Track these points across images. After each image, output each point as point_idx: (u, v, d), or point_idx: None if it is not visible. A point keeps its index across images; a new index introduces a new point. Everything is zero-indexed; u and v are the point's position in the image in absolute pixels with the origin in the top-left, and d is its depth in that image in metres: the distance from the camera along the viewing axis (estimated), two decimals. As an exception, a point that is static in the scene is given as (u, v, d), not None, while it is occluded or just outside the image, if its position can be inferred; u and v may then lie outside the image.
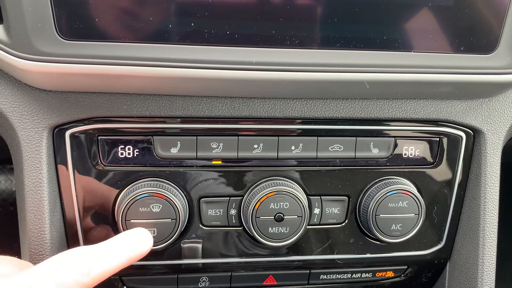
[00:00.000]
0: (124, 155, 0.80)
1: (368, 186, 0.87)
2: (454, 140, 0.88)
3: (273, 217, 0.82)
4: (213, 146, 0.82)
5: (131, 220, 0.78)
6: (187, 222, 0.84)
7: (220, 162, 0.83)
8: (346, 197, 0.88)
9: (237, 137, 0.82)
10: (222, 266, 0.89)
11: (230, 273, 0.91)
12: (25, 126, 0.76)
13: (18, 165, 0.79)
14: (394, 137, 0.86)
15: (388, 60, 0.72)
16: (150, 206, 0.78)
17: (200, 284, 0.91)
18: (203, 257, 0.87)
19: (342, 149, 0.85)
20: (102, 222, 0.83)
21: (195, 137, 0.81)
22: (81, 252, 0.64)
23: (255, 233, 0.82)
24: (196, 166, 0.82)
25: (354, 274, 0.95)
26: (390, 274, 0.97)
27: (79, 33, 0.66)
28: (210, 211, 0.85)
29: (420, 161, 0.88)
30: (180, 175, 0.82)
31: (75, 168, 0.80)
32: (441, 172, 0.89)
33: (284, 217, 0.82)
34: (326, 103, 0.82)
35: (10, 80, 0.74)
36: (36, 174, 0.77)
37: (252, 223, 0.82)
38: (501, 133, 0.88)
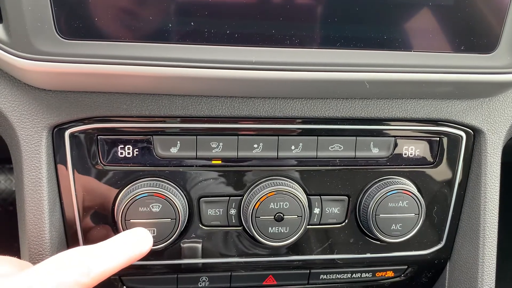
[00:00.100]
0: (124, 154, 0.80)
1: (368, 186, 0.87)
2: (454, 140, 0.88)
3: (273, 217, 0.82)
4: (213, 146, 0.82)
5: (131, 220, 0.78)
6: (186, 222, 0.84)
7: (220, 162, 0.83)
8: (346, 197, 0.88)
9: (237, 137, 0.82)
10: (222, 266, 0.89)
11: (230, 273, 0.91)
12: (25, 126, 0.76)
13: (18, 165, 0.79)
14: (394, 136, 0.86)
15: (388, 60, 0.72)
16: (150, 205, 0.78)
17: (200, 284, 0.91)
18: (203, 257, 0.87)
19: (342, 148, 0.85)
20: (102, 222, 0.83)
21: (195, 137, 0.81)
22: (80, 252, 0.64)
23: (255, 233, 0.82)
24: (196, 166, 0.82)
25: (354, 274, 0.95)
26: (390, 274, 0.97)
27: (78, 33, 0.66)
28: (210, 210, 0.85)
29: (420, 161, 0.88)
30: (179, 174, 0.82)
31: (74, 168, 0.80)
32: (441, 172, 0.89)
33: (284, 216, 0.82)
34: (326, 102, 0.82)
35: (9, 79, 0.74)
36: (35, 173, 0.77)
37: (252, 223, 0.82)
38: (501, 132, 0.88)
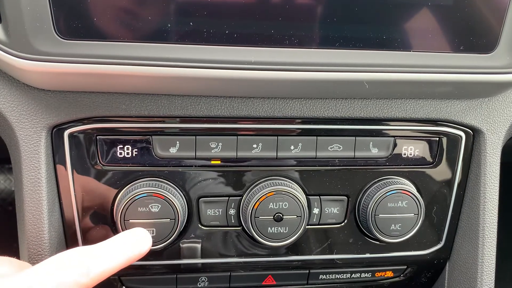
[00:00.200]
0: (123, 154, 0.80)
1: (368, 186, 0.87)
2: (453, 140, 0.88)
3: (272, 217, 0.82)
4: (212, 146, 0.82)
5: (130, 220, 0.78)
6: (186, 222, 0.83)
7: (219, 162, 0.83)
8: (346, 197, 0.88)
9: (236, 137, 0.82)
10: (221, 266, 0.89)
11: (229, 273, 0.91)
12: (24, 126, 0.76)
13: (17, 165, 0.79)
14: (394, 136, 0.86)
15: (387, 60, 0.72)
16: (149, 206, 0.78)
17: (199, 284, 0.91)
18: (202, 257, 0.87)
19: (341, 148, 0.85)
20: (101, 222, 0.83)
21: (194, 137, 0.81)
22: (80, 252, 0.64)
23: (254, 233, 0.82)
24: (195, 166, 0.82)
25: (353, 274, 0.95)
26: (389, 274, 0.97)
27: (77, 33, 0.66)
28: (209, 211, 0.85)
29: (419, 161, 0.88)
30: (179, 175, 0.82)
31: (73, 168, 0.80)
32: (440, 172, 0.89)
33: (283, 217, 0.82)
34: (326, 102, 0.82)
35: (8, 79, 0.74)
36: (34, 174, 0.77)
37: (251, 223, 0.82)
38: (500, 132, 0.88)
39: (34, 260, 0.79)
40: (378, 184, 0.86)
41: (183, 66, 0.69)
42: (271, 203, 0.81)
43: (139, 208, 0.78)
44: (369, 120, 0.84)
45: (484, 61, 0.75)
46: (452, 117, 0.86)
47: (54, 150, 0.79)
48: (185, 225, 0.84)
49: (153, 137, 0.80)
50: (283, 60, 0.70)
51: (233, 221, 0.86)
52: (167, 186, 0.81)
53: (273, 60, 0.70)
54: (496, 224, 0.91)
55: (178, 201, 0.79)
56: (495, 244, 0.91)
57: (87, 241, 0.83)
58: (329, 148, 0.84)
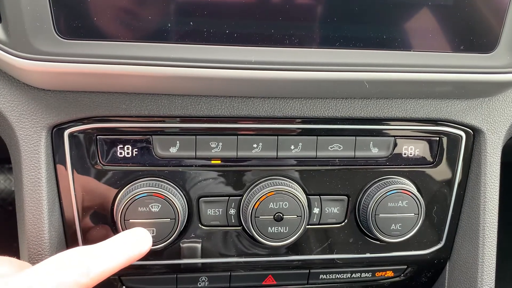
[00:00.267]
0: (123, 154, 0.80)
1: (368, 185, 0.87)
2: (454, 140, 0.88)
3: (272, 216, 0.82)
4: (212, 146, 0.82)
5: (130, 220, 0.78)
6: (186, 222, 0.83)
7: (219, 162, 0.83)
8: (346, 197, 0.88)
9: (236, 137, 0.82)
10: (222, 266, 0.89)
11: (229, 273, 0.91)
12: (24, 126, 0.76)
13: (17, 165, 0.79)
14: (394, 136, 0.86)
15: (387, 60, 0.72)
16: (149, 205, 0.78)
17: (199, 283, 0.91)
18: (202, 256, 0.87)
19: (341, 148, 0.85)
20: (101, 222, 0.83)
21: (194, 137, 0.81)
22: (80, 252, 0.64)
23: (254, 233, 0.82)
24: (195, 166, 0.82)
25: (353, 274, 0.95)
26: (389, 274, 0.97)
27: (77, 32, 0.66)
28: (209, 210, 0.85)
29: (420, 161, 0.88)
30: (179, 174, 0.82)
31: (74, 168, 0.80)
32: (441, 172, 0.89)
33: (284, 216, 0.82)
34: (326, 102, 0.82)
35: (8, 79, 0.74)
36: (34, 173, 0.77)
37: (251, 222, 0.81)
38: (501, 132, 0.88)
39: (34, 260, 0.79)
40: (378, 183, 0.86)
41: (183, 66, 0.69)
42: (271, 203, 0.81)
43: (139, 208, 0.78)
44: (369, 120, 0.84)
45: (484, 61, 0.75)
46: (452, 117, 0.86)
47: (54, 150, 0.79)
48: (185, 225, 0.84)
49: (153, 136, 0.80)
50: (283, 60, 0.70)
51: (233, 221, 0.86)
52: (167, 186, 0.81)
53: (274, 59, 0.70)
54: (497, 223, 0.91)
55: (178, 201, 0.79)
56: (496, 243, 0.91)
57: (87, 241, 0.83)
58: (329, 148, 0.84)
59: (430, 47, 0.73)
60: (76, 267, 0.61)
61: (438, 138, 0.88)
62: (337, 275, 0.94)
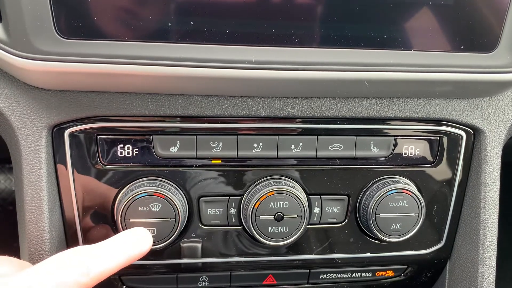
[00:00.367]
0: (124, 154, 0.80)
1: (368, 185, 0.87)
2: (454, 139, 0.88)
3: (272, 216, 0.82)
4: (212, 145, 0.82)
5: (131, 220, 0.78)
6: (186, 222, 0.83)
7: (219, 161, 0.83)
8: (346, 196, 0.88)
9: (236, 136, 0.82)
10: (222, 266, 0.89)
11: (229, 273, 0.91)
12: (24, 125, 0.76)
13: (17, 164, 0.79)
14: (394, 136, 0.86)
15: (387, 59, 0.72)
16: (150, 205, 0.78)
17: (200, 283, 0.91)
18: (203, 256, 0.87)
19: (342, 148, 0.85)
20: (102, 222, 0.83)
21: (194, 136, 0.81)
22: (80, 251, 0.64)
23: (254, 233, 0.82)
24: (196, 165, 0.82)
25: (354, 274, 0.95)
26: (390, 273, 0.97)
27: (78, 32, 0.66)
28: (209, 210, 0.85)
29: (420, 160, 0.88)
30: (179, 174, 0.82)
31: (74, 168, 0.80)
32: (441, 171, 0.89)
33: (284, 216, 0.82)
34: (326, 102, 0.82)
35: (9, 79, 0.74)
36: (35, 173, 0.77)
37: (251, 222, 0.81)
38: (501, 132, 0.88)
39: (34, 259, 0.79)
40: (378, 183, 0.86)
41: (183, 65, 0.69)
42: (271, 203, 0.81)
43: (139, 207, 0.78)
44: (370, 120, 0.84)
45: (484, 61, 0.75)
46: (452, 116, 0.86)
47: (55, 149, 0.79)
48: (185, 224, 0.84)
49: (153, 136, 0.80)
50: (283, 60, 0.70)
51: (233, 220, 0.86)
52: (168, 185, 0.81)
53: (274, 59, 0.70)
54: (497, 223, 0.91)
55: (179, 201, 0.79)
56: (496, 243, 0.91)
57: (87, 240, 0.83)
58: (329, 148, 0.84)
59: (431, 47, 0.73)
60: (77, 266, 0.61)
61: (438, 138, 0.88)
62: (337, 274, 0.94)
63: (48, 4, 0.64)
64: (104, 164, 0.80)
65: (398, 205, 0.85)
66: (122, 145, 0.80)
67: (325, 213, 0.88)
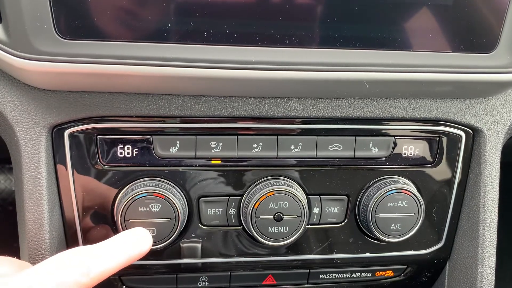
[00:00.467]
0: (123, 154, 0.80)
1: (368, 185, 0.87)
2: (453, 140, 0.88)
3: (272, 216, 0.82)
4: (212, 146, 0.82)
5: (130, 220, 0.78)
6: (186, 222, 0.84)
7: (219, 162, 0.83)
8: (346, 197, 0.88)
9: (236, 137, 0.82)
10: (222, 266, 0.89)
11: (229, 273, 0.91)
12: (24, 126, 0.76)
13: (17, 165, 0.79)
14: (394, 136, 0.86)
15: (387, 59, 0.72)
16: (149, 205, 0.78)
17: (200, 283, 0.91)
18: (203, 256, 0.87)
19: (341, 148, 0.85)
20: (101, 222, 0.83)
21: (194, 137, 0.81)
22: (80, 252, 0.64)
23: (254, 233, 0.82)
24: (196, 166, 0.82)
25: (353, 274, 0.95)
26: (389, 273, 0.97)
27: (78, 33, 0.66)
28: (209, 210, 0.85)
29: (419, 161, 0.88)
30: (179, 174, 0.82)
31: (74, 168, 0.80)
32: (440, 172, 0.89)
33: (284, 216, 0.82)
34: (326, 102, 0.82)
35: (9, 79, 0.74)
36: (35, 173, 0.77)
37: (251, 222, 0.82)
38: (500, 132, 0.88)
39: (34, 260, 0.79)
40: (378, 183, 0.86)
41: (183, 66, 0.69)
42: (271, 203, 0.81)
43: (139, 207, 0.78)
44: (369, 120, 0.84)
45: (484, 61, 0.75)
46: (452, 116, 0.86)
47: (55, 150, 0.79)
48: (185, 224, 0.84)
49: (153, 136, 0.80)
50: (283, 60, 0.70)
51: (233, 220, 0.86)
52: (168, 185, 0.81)
53: (273, 59, 0.70)
54: (496, 223, 0.91)
55: (179, 201, 0.79)
56: (495, 243, 0.91)
57: (87, 240, 0.83)
58: (329, 148, 0.84)
59: (430, 47, 0.73)
60: (77, 267, 0.61)
61: (438, 138, 0.88)
62: (337, 274, 0.94)
63: (48, 4, 0.64)
64: (104, 165, 0.80)
65: (398, 205, 0.85)
66: (122, 146, 0.80)
67: (325, 213, 0.88)
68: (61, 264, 0.61)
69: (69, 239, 0.83)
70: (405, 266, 0.97)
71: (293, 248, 0.89)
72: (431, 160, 0.89)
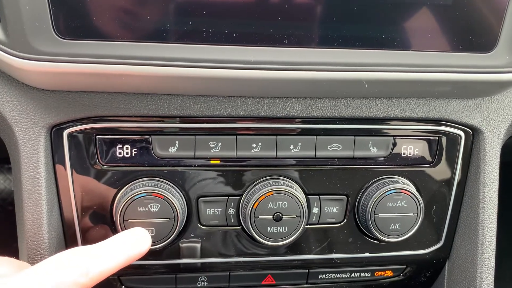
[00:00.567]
0: (122, 154, 0.80)
1: (367, 185, 0.87)
2: (453, 139, 0.88)
3: (271, 216, 0.82)
4: (211, 146, 0.82)
5: (129, 220, 0.78)
6: (185, 222, 0.84)
7: (218, 162, 0.83)
8: (345, 196, 0.88)
9: (235, 137, 0.82)
10: (221, 266, 0.89)
11: (228, 273, 0.91)
12: (23, 126, 0.76)
13: (16, 165, 0.79)
14: (393, 136, 0.86)
15: (386, 59, 0.72)
16: (148, 205, 0.78)
17: (199, 283, 0.91)
18: (202, 256, 0.87)
19: (340, 148, 0.85)
20: (100, 222, 0.83)
21: (193, 137, 0.81)
22: (79, 252, 0.64)
23: (253, 233, 0.82)
24: (195, 166, 0.82)
25: (353, 274, 0.95)
26: (388, 273, 0.97)
27: (76, 32, 0.66)
28: (208, 210, 0.85)
29: (419, 160, 0.88)
30: (178, 174, 0.82)
31: (73, 168, 0.80)
32: (440, 171, 0.89)
33: (283, 216, 0.82)
34: (325, 102, 0.82)
35: (7, 79, 0.74)
36: (34, 173, 0.77)
37: (250, 222, 0.82)
38: (500, 132, 0.88)
39: (33, 260, 0.79)
40: (377, 183, 0.86)
41: (182, 65, 0.69)
42: (270, 203, 0.81)
43: (138, 207, 0.78)
44: (369, 120, 0.84)
45: (483, 61, 0.75)
46: (451, 116, 0.86)
47: (54, 150, 0.79)
48: (184, 224, 0.84)
49: (152, 136, 0.80)
50: (282, 60, 0.70)
51: (232, 220, 0.86)
52: (167, 185, 0.81)
53: (273, 59, 0.70)
54: (496, 223, 0.91)
55: (178, 201, 0.79)
56: (495, 243, 0.91)
57: (86, 241, 0.83)
58: (328, 148, 0.84)
59: (429, 47, 0.73)
60: (76, 267, 0.61)
61: (437, 138, 0.88)
62: (336, 274, 0.94)
63: (47, 4, 0.64)
64: (103, 165, 0.80)
65: (397, 205, 0.85)
66: (121, 145, 0.80)
67: (324, 213, 0.88)
68: (60, 264, 0.61)
69: (68, 239, 0.83)
70: (405, 266, 0.97)
71: (292, 248, 0.89)
72: (431, 160, 0.89)
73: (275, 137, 0.83)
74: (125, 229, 0.78)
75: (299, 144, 0.83)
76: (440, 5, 0.71)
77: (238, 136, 0.82)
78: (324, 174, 0.86)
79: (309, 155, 0.84)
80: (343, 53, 0.71)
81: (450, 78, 0.75)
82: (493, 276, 0.92)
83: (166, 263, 0.86)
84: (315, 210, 0.87)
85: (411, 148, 0.87)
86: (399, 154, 0.87)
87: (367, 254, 0.92)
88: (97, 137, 0.79)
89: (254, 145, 0.83)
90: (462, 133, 0.88)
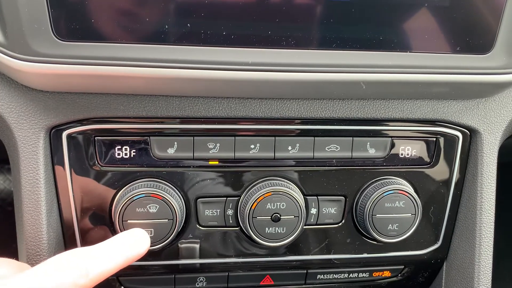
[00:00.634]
0: (121, 155, 0.80)
1: (365, 186, 0.87)
2: (450, 140, 0.88)
3: (270, 217, 0.82)
4: (210, 147, 0.82)
5: (128, 221, 0.78)
6: (184, 223, 0.84)
7: (217, 163, 0.83)
8: (343, 197, 0.88)
9: (234, 137, 0.82)
10: (219, 266, 0.89)
11: (227, 273, 0.91)
12: (22, 127, 0.76)
13: (15, 166, 0.79)
14: (391, 137, 0.86)
15: (384, 61, 0.72)
16: (147, 206, 0.78)
17: (197, 284, 0.91)
18: (200, 257, 0.87)
19: (338, 149, 0.85)
20: (99, 223, 0.83)
21: (192, 138, 0.81)
22: (78, 253, 0.64)
23: (252, 233, 0.82)
24: (193, 167, 0.82)
25: (351, 274, 0.95)
26: (386, 274, 0.97)
27: (75, 34, 0.66)
28: (207, 211, 0.85)
29: (417, 161, 0.88)
30: (177, 175, 0.82)
31: (72, 169, 0.80)
32: (437, 172, 0.90)
33: (281, 217, 0.82)
34: (323, 103, 0.82)
35: (6, 81, 0.74)
36: (33, 174, 0.77)
37: (249, 223, 0.82)
38: (497, 133, 0.88)
39: (32, 261, 0.79)
40: (375, 184, 0.87)
41: (181, 67, 0.69)
42: (268, 204, 0.82)
43: (137, 208, 0.78)
44: (367, 121, 0.84)
45: (480, 62, 0.75)
46: (449, 117, 0.86)
47: (53, 151, 0.79)
48: (183, 225, 0.84)
49: (151, 137, 0.80)
50: (280, 61, 0.70)
51: (231, 221, 0.86)
52: (165, 186, 0.81)
53: (271, 61, 0.70)
54: (493, 224, 0.91)
55: (176, 202, 0.80)
56: (492, 243, 0.91)
57: (85, 241, 0.83)
58: (326, 149, 0.85)
59: (427, 48, 0.73)
60: (75, 268, 0.61)
61: (435, 139, 0.88)
62: (334, 275, 0.94)
63: (46, 6, 0.64)
64: (101, 166, 0.80)
65: (395, 206, 0.85)
66: (119, 147, 0.80)
67: (322, 214, 0.88)
68: (60, 266, 0.61)
69: (67, 240, 0.83)
70: (403, 267, 0.97)
71: (290, 248, 0.89)
72: (428, 160, 0.89)
73: (273, 138, 0.83)
74: (124, 230, 0.78)
75: (297, 145, 0.84)
76: (438, 6, 0.71)
77: (236, 137, 0.82)
78: (322, 175, 0.86)
79: (307, 156, 0.84)
80: (341, 55, 0.71)
81: (448, 79, 0.75)
82: (490, 276, 0.92)
83: (165, 263, 0.87)
84: (313, 210, 0.87)
85: (409, 149, 0.88)
86: (397, 155, 0.87)
87: (365, 255, 0.92)
88: (96, 138, 0.79)
89: (252, 146, 0.83)
90: (459, 134, 0.88)
